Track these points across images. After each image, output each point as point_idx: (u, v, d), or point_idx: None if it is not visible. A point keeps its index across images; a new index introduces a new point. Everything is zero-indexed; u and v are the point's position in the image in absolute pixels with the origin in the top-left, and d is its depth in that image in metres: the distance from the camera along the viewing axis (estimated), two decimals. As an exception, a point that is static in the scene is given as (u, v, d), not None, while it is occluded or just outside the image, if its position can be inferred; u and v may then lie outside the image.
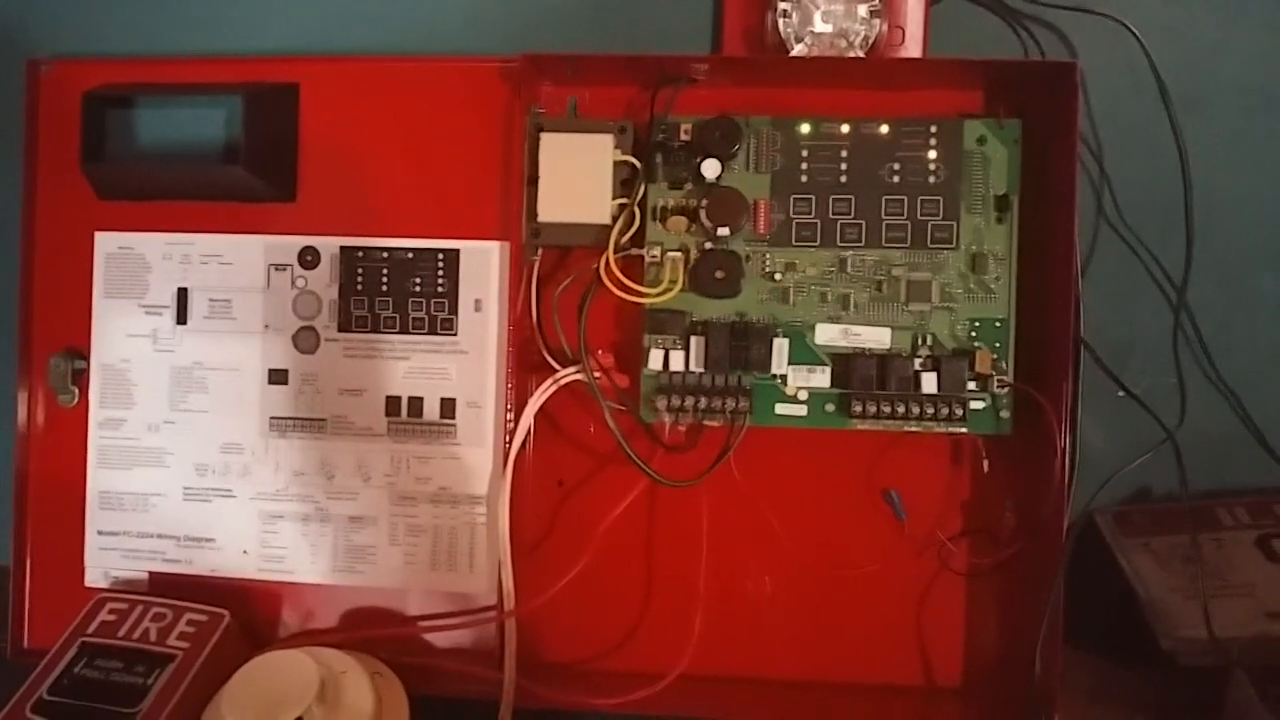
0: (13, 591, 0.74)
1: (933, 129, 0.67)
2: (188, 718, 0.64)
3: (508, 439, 0.69)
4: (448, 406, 0.71)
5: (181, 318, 0.73)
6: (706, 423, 0.68)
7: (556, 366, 0.69)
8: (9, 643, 0.74)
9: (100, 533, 0.74)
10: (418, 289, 0.71)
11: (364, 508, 0.71)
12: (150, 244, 0.73)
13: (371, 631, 0.71)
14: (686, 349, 0.68)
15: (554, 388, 0.69)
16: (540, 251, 0.70)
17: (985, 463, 0.68)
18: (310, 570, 0.72)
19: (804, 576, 0.70)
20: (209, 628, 0.68)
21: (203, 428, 0.73)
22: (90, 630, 0.68)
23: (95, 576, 0.74)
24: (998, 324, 0.67)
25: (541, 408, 0.69)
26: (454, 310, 0.71)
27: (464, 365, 0.71)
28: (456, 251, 0.71)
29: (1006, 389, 0.66)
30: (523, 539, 0.69)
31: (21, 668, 0.67)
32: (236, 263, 0.72)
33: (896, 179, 0.67)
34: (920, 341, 0.67)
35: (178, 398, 0.73)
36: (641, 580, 0.71)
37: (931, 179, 0.67)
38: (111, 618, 0.69)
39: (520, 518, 0.69)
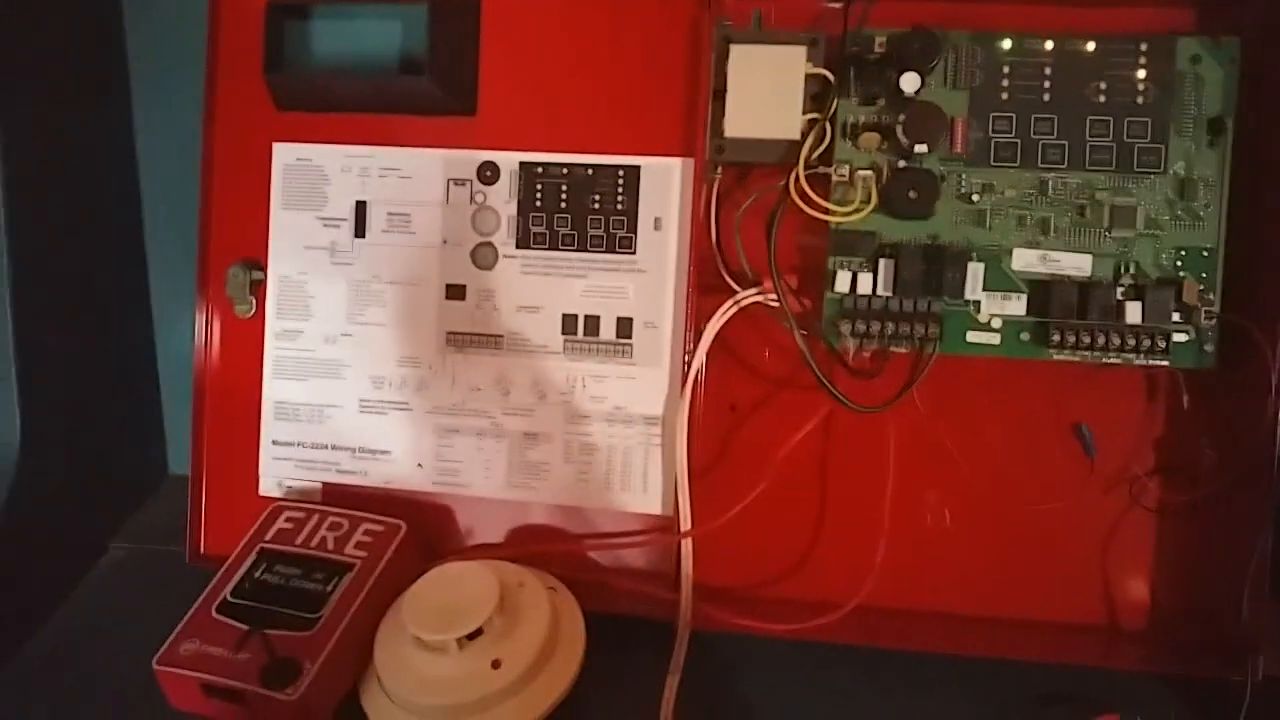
0: (191, 499, 0.76)
1: (1142, 47, 0.64)
2: (367, 624, 0.64)
3: (686, 360, 0.68)
4: (624, 326, 0.70)
5: (360, 231, 0.73)
6: (893, 349, 0.66)
7: (735, 288, 0.67)
8: (187, 548, 0.75)
9: (275, 443, 0.75)
10: (597, 206, 0.70)
11: (538, 424, 0.71)
12: (329, 156, 0.73)
13: (547, 546, 0.71)
14: (875, 272, 0.65)
15: (734, 309, 0.67)
16: (721, 170, 0.68)
17: (1185, 398, 0.65)
18: (484, 485, 0.72)
19: (986, 510, 0.68)
20: (386, 538, 0.68)
21: (380, 341, 0.73)
22: (268, 537, 0.69)
23: (269, 486, 0.75)
24: (1205, 253, 0.63)
25: (716, 331, 0.67)
26: (633, 228, 0.70)
27: (642, 284, 0.70)
28: (637, 168, 0.70)
29: (1213, 321, 0.63)
30: (695, 462, 0.68)
31: (200, 571, 0.68)
32: (415, 176, 0.72)
33: (1102, 99, 0.64)
34: (1123, 270, 0.64)
35: (355, 311, 0.73)
36: (817, 509, 0.70)
37: (1140, 100, 0.64)
38: (288, 525, 0.70)
39: (693, 441, 0.68)
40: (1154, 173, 0.64)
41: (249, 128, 0.74)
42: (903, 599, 0.68)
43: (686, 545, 0.67)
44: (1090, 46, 0.64)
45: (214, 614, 0.64)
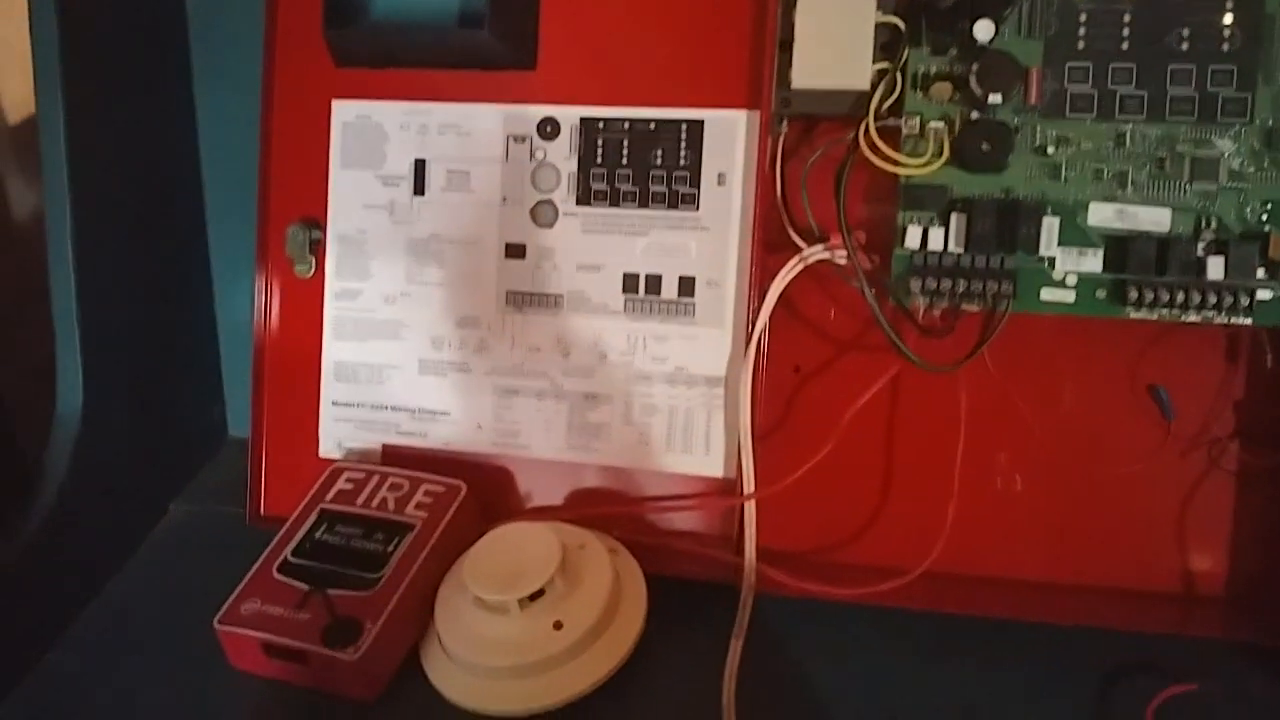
0: (251, 460, 0.76)
1: (1230, -10, 0.61)
2: (428, 584, 0.64)
3: (750, 320, 0.66)
4: (686, 285, 0.69)
5: (419, 189, 0.72)
6: (964, 307, 0.64)
7: (801, 245, 0.66)
8: (248, 509, 0.75)
9: (335, 404, 0.75)
10: (659, 161, 0.69)
11: (599, 385, 0.70)
12: (388, 113, 0.73)
13: (607, 509, 0.70)
14: (946, 227, 0.64)
15: (800, 267, 0.66)
16: (786, 123, 0.66)
17: (1269, 357, 0.63)
18: (544, 446, 0.71)
19: (1058, 474, 0.67)
20: (446, 498, 0.68)
21: (439, 301, 0.72)
22: (329, 498, 0.69)
23: (329, 447, 0.75)
24: (1293, 207, 0.61)
25: (781, 290, 0.66)
26: (696, 184, 0.68)
27: (704, 242, 0.69)
28: (700, 122, 0.68)
29: (1301, 278, 0.60)
30: (758, 424, 0.67)
31: (260, 532, 0.69)
32: (474, 133, 0.71)
33: (1185, 46, 0.61)
34: (1204, 224, 0.62)
35: (414, 270, 0.72)
36: (884, 472, 0.69)
37: (1225, 46, 0.61)
38: (349, 486, 0.70)
39: (757, 402, 0.67)
40: (1240, 122, 0.61)
41: (308, 86, 0.74)
42: (972, 565, 0.67)
43: (750, 508, 0.66)
44: (1174, -8, 0.62)
45: (275, 574, 0.64)
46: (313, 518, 0.68)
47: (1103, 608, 0.65)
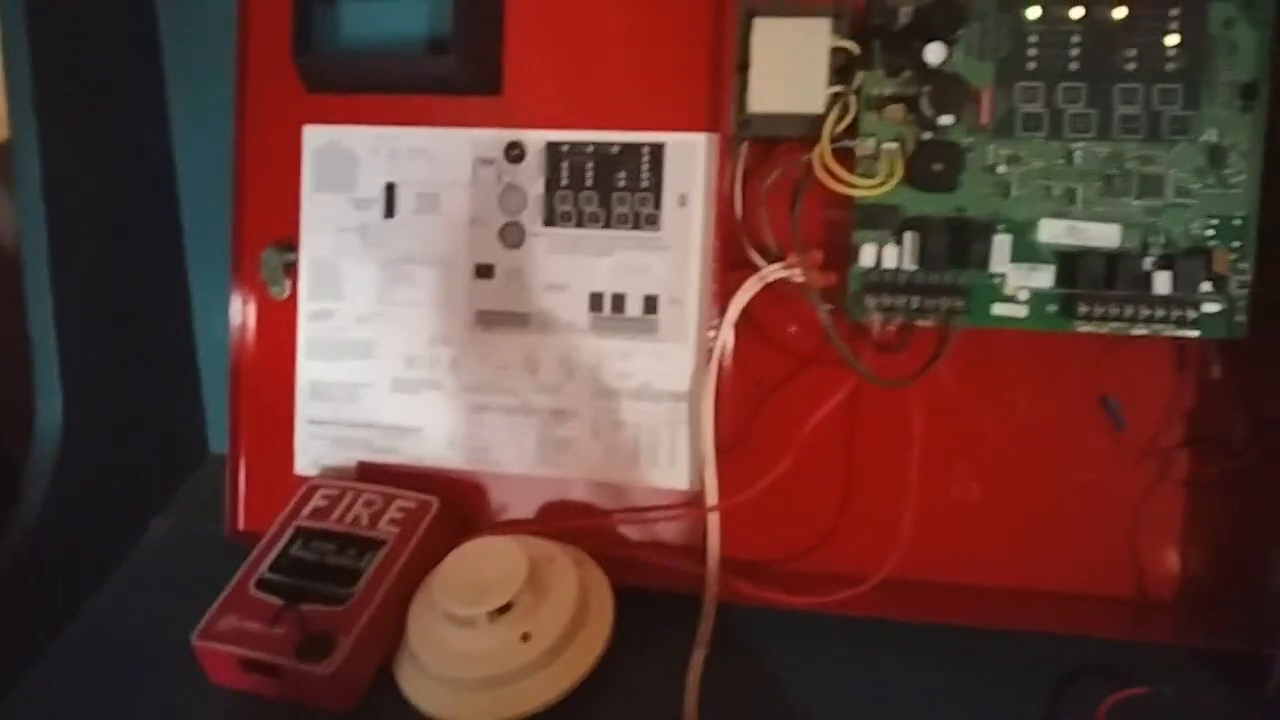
0: (228, 477, 0.77)
1: (1174, 12, 0.63)
2: (400, 599, 0.65)
3: (711, 336, 0.68)
4: (650, 303, 0.71)
5: (390, 212, 0.74)
6: (918, 323, 0.66)
7: (760, 263, 0.68)
8: (225, 525, 0.77)
9: (310, 422, 0.76)
10: (622, 184, 0.70)
11: (566, 401, 0.72)
12: (358, 138, 0.74)
13: (575, 522, 0.71)
14: (900, 245, 0.65)
15: (759, 285, 0.67)
16: (745, 145, 0.68)
17: (1216, 368, 0.65)
18: (514, 461, 0.73)
19: (1014, 483, 0.68)
20: (418, 514, 0.69)
21: (411, 320, 0.74)
22: (304, 514, 0.71)
23: (304, 464, 0.77)
24: (1237, 222, 0.63)
25: (742, 306, 0.67)
26: (658, 205, 0.70)
27: (667, 261, 0.70)
28: (662, 145, 0.70)
29: (1245, 291, 0.62)
30: (721, 438, 0.69)
31: (237, 549, 0.70)
32: (443, 157, 0.73)
33: (1132, 66, 0.63)
34: (1152, 240, 0.63)
35: (386, 290, 0.74)
36: (843, 483, 0.70)
37: (1171, 66, 0.63)
38: (323, 503, 0.71)
39: (719, 416, 0.69)
40: (1184, 140, 0.63)
41: (280, 111, 0.75)
42: (930, 572, 0.68)
43: (713, 519, 0.67)
44: (1120, 13, 0.63)
45: (251, 590, 0.66)
46: (288, 534, 0.69)
47: (1057, 613, 0.66)
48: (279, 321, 0.76)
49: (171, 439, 0.86)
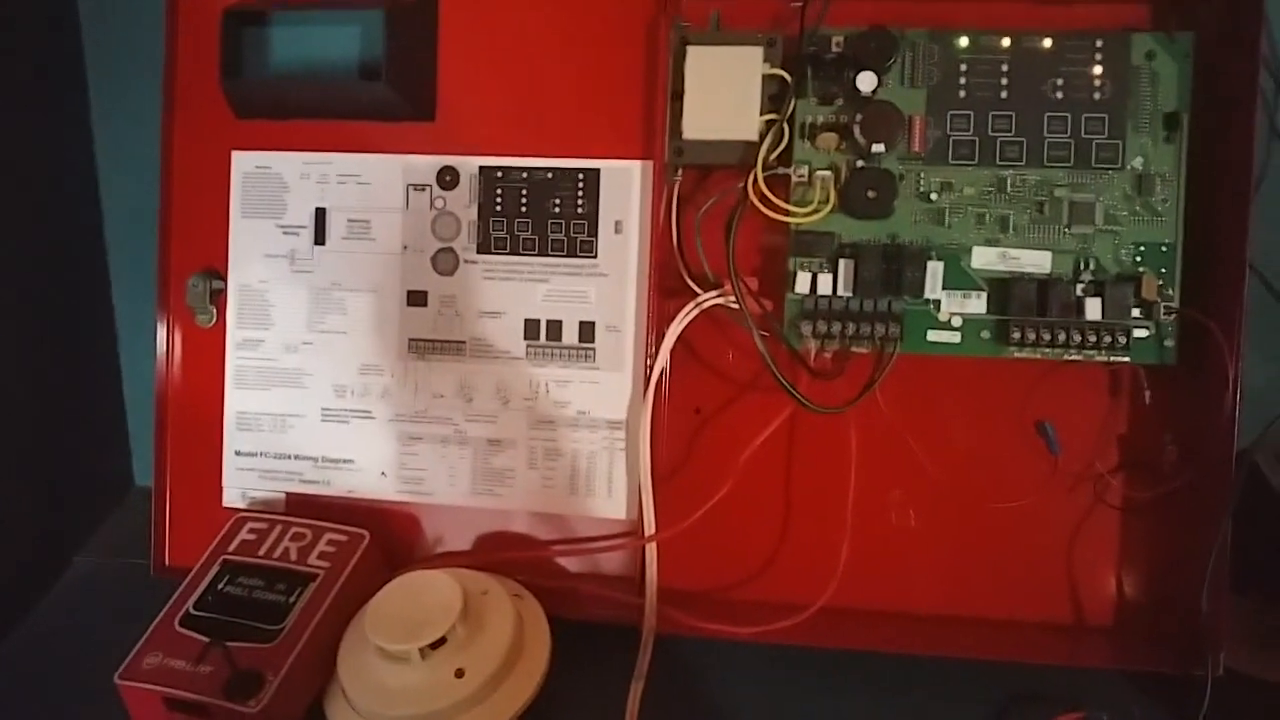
0: (154, 511, 0.75)
1: (1098, 43, 0.64)
2: (330, 634, 0.64)
3: (648, 364, 0.67)
4: (586, 330, 0.70)
5: (320, 238, 0.73)
6: (854, 349, 0.66)
7: (697, 290, 0.67)
8: (152, 560, 0.75)
9: (238, 453, 0.75)
10: (557, 210, 0.70)
11: (502, 431, 0.71)
12: (288, 163, 0.73)
13: (511, 553, 0.71)
14: (835, 272, 0.65)
15: (695, 312, 0.67)
16: (680, 172, 0.68)
17: (1146, 394, 0.65)
18: (448, 492, 0.72)
19: (951, 510, 0.68)
20: (349, 548, 0.68)
21: (341, 349, 0.73)
22: (231, 549, 0.69)
23: (233, 497, 0.75)
24: (1164, 248, 0.64)
25: (678, 334, 0.67)
26: (594, 232, 0.70)
27: (603, 288, 0.70)
28: (597, 171, 0.69)
29: (1172, 316, 0.63)
30: (660, 466, 0.68)
31: (164, 583, 0.68)
32: (375, 183, 0.72)
33: (1060, 95, 0.64)
34: (1082, 266, 0.64)
35: (316, 319, 0.73)
36: (781, 511, 0.70)
37: (1097, 95, 0.64)
38: (251, 537, 0.70)
39: (657, 444, 0.68)
40: (1112, 168, 0.64)
41: (208, 136, 0.74)
42: (868, 600, 0.68)
43: (651, 550, 0.67)
44: (1047, 43, 0.64)
45: (177, 627, 0.64)
46: (215, 569, 0.68)
47: (994, 640, 0.66)
48: (206, 350, 0.75)
49: (95, 471, 0.84)
